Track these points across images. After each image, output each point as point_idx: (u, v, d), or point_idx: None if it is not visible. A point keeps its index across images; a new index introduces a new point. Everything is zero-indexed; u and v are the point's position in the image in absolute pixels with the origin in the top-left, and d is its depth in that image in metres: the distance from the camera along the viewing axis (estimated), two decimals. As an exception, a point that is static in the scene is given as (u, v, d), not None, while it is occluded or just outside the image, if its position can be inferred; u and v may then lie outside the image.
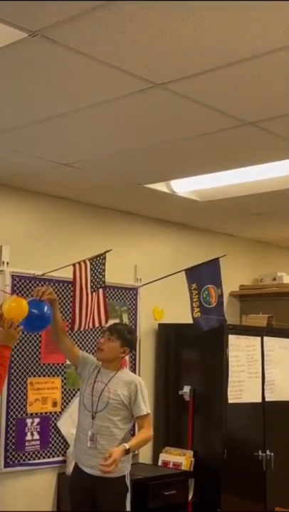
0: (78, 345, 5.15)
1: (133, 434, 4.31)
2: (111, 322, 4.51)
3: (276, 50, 2.65)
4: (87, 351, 5.18)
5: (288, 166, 4.35)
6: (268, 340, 5.95)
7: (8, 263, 4.85)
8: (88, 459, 4.09)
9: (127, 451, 3.98)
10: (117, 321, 5.25)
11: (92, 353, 4.40)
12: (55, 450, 5.03)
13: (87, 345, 5.23)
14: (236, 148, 3.97)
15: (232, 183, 4.80)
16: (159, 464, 5.57)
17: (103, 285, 4.48)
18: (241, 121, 3.46)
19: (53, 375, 5.05)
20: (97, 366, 4.26)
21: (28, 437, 4.88)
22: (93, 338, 5.25)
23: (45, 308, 4.04)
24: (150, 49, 2.67)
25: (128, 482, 4.13)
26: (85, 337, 5.24)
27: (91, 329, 4.91)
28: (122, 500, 4.10)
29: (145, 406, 4.15)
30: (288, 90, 3.06)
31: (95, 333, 5.24)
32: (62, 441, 5.06)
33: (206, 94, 3.13)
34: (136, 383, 4.18)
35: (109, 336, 4.22)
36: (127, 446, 3.97)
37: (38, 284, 4.95)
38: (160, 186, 4.94)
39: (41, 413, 4.98)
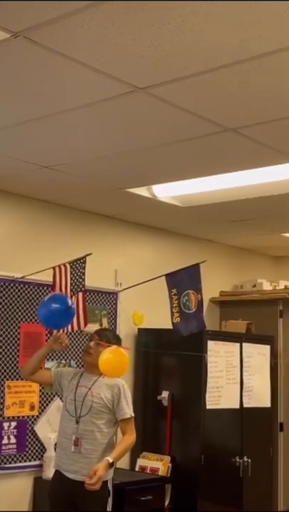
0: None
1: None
2: (90, 326, 4.50)
3: (258, 56, 2.67)
4: (65, 353, 5.16)
5: (269, 172, 4.37)
6: (246, 346, 5.97)
7: (-13, 265, 4.83)
8: (71, 463, 4.07)
9: (110, 465, 4.00)
10: (96, 325, 5.24)
11: (73, 357, 4.36)
12: (32, 454, 5.00)
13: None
14: (218, 154, 3.98)
15: (213, 189, 4.81)
16: (136, 469, 5.56)
17: (83, 289, 4.47)
18: (222, 127, 3.47)
19: (31, 379, 5.02)
20: (77, 373, 4.28)
21: (5, 441, 4.84)
22: (71, 341, 5.22)
23: (69, 302, 4.12)
24: (132, 53, 2.67)
25: (110, 487, 4.13)
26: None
27: (70, 333, 4.89)
28: (103, 505, 4.10)
29: (129, 409, 4.16)
30: (270, 97, 3.08)
31: (74, 336, 5.21)
32: (39, 445, 5.03)
33: (187, 99, 3.14)
34: (119, 386, 4.18)
35: (98, 341, 4.22)
36: (110, 460, 4.00)
37: (17, 287, 4.93)
38: (141, 191, 4.93)
39: (18, 417, 4.94)
